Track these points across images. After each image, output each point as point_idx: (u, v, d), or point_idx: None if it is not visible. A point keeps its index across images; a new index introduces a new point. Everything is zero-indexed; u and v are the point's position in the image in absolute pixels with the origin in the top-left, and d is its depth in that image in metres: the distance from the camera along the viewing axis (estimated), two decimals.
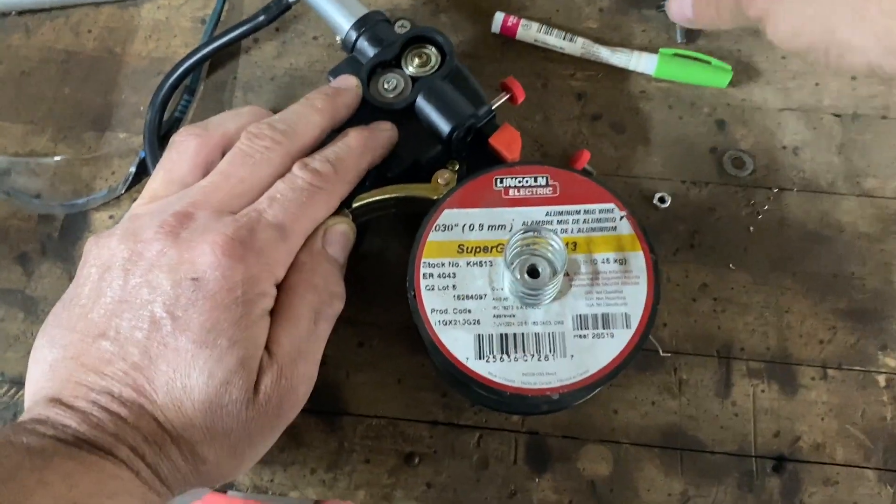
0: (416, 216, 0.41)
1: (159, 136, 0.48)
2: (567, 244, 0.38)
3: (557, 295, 0.37)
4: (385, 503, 0.42)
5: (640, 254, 0.38)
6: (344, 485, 0.42)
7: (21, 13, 0.54)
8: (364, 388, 0.44)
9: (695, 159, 0.49)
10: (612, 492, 0.42)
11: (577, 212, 0.39)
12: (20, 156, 0.50)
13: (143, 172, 0.48)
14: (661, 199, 0.48)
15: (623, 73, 0.52)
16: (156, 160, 0.46)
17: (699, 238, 0.47)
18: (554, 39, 0.51)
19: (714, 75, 0.51)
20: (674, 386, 0.44)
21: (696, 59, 0.51)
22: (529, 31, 0.51)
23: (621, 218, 0.39)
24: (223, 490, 0.43)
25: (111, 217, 0.48)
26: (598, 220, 0.39)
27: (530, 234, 0.37)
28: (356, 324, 0.45)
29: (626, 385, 0.44)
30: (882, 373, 0.44)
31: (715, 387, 0.44)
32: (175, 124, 0.50)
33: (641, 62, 0.51)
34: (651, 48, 0.52)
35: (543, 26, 0.51)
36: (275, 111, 0.43)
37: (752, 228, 0.48)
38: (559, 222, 0.39)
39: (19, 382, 0.45)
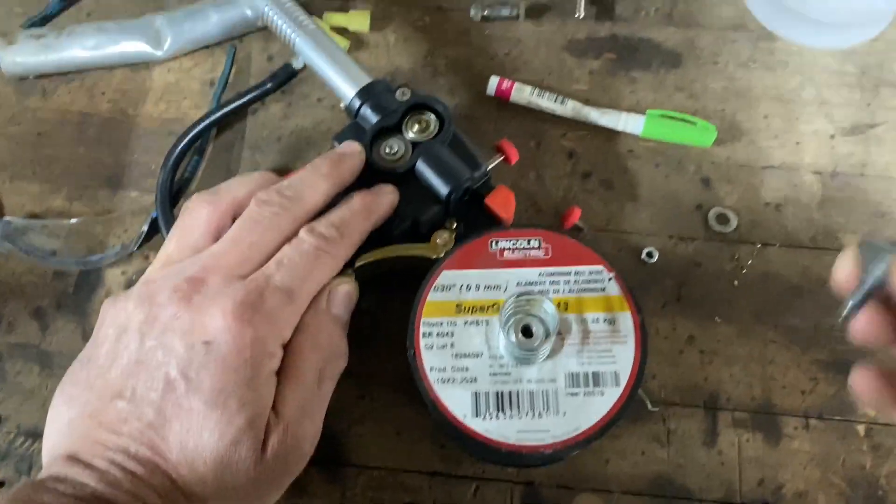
0: (414, 272, 0.43)
1: (171, 196, 0.50)
2: (559, 304, 0.41)
3: (550, 353, 0.40)
4: None
5: (628, 314, 0.40)
6: None
7: (39, 77, 0.57)
8: (365, 440, 0.46)
9: (681, 215, 0.52)
10: None
11: (568, 273, 0.41)
12: (36, 215, 0.52)
13: (154, 230, 0.50)
14: (649, 254, 0.50)
15: (612, 133, 0.54)
16: (167, 219, 0.49)
17: (686, 291, 0.50)
18: (546, 102, 0.54)
19: (699, 135, 0.53)
20: (662, 436, 0.46)
21: (682, 119, 0.53)
22: (523, 93, 0.54)
23: (609, 279, 0.41)
24: None
25: (123, 273, 0.50)
26: (588, 282, 0.41)
27: (524, 297, 0.39)
28: (357, 376, 0.47)
29: (618, 435, 0.46)
30: (861, 422, 0.46)
31: (702, 436, 0.46)
32: (185, 184, 0.52)
33: (629, 123, 0.53)
34: (639, 109, 0.55)
35: (536, 89, 0.54)
36: (281, 171, 0.45)
37: (736, 282, 0.50)
38: (551, 283, 0.41)
39: (34, 434, 0.47)
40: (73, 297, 0.50)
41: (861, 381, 0.34)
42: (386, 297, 0.49)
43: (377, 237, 0.45)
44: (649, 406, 0.46)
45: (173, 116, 0.55)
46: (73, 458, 0.35)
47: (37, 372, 0.48)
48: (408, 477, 0.45)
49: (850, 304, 0.34)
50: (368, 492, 0.45)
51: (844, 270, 0.35)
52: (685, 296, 0.50)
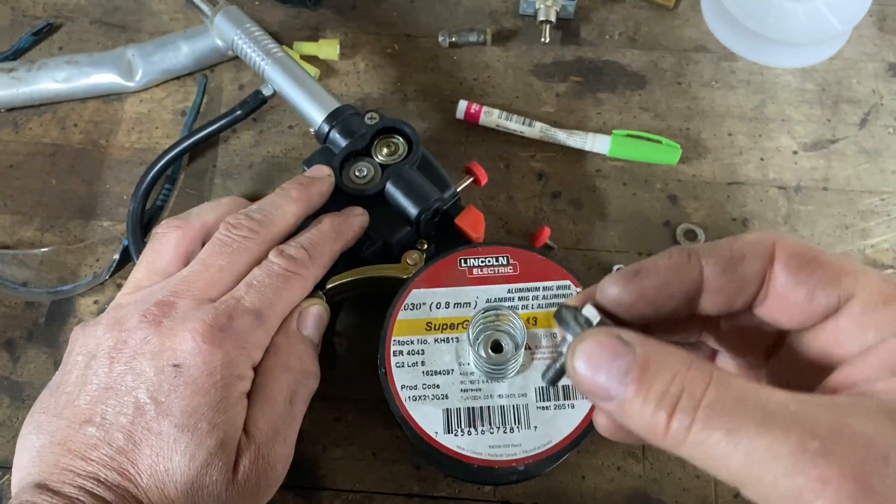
0: (387, 294, 0.43)
1: (142, 225, 0.50)
2: (528, 319, 0.41)
3: (521, 368, 0.40)
4: None
5: None
6: None
7: (10, 109, 0.57)
8: (340, 463, 0.46)
9: (649, 232, 0.53)
10: None
11: (537, 289, 0.42)
12: (8, 246, 0.52)
13: (126, 259, 0.50)
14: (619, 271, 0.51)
15: (580, 154, 0.55)
16: (138, 247, 0.49)
17: None
18: (514, 124, 0.55)
19: (665, 153, 0.54)
20: (638, 451, 0.46)
21: (647, 138, 0.54)
22: (491, 116, 0.55)
23: (577, 294, 0.41)
24: None
25: (95, 302, 0.50)
26: (556, 296, 0.42)
27: (492, 312, 0.39)
28: (332, 399, 0.47)
29: (593, 451, 0.46)
30: None
31: None
32: (157, 212, 0.52)
33: (596, 143, 0.54)
34: (605, 129, 0.56)
35: (504, 112, 0.55)
36: (253, 197, 0.45)
37: None
38: (520, 299, 0.42)
39: (5, 466, 0.46)
40: (45, 327, 0.50)
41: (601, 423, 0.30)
42: (360, 319, 0.50)
43: (348, 259, 0.45)
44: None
45: (145, 146, 0.56)
46: (42, 486, 0.35)
47: (7, 403, 0.48)
48: (384, 500, 0.45)
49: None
50: None
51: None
52: None
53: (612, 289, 0.28)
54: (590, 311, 0.27)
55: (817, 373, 0.27)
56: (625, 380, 0.24)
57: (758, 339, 0.31)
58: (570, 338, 0.27)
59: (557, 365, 0.28)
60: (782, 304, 0.27)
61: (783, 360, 0.30)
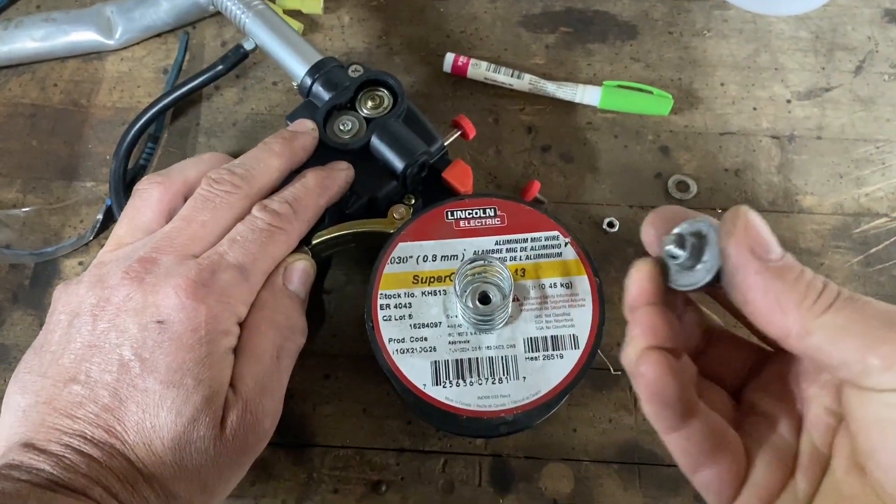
0: (376, 251, 0.43)
1: (125, 184, 0.50)
2: (516, 270, 0.40)
3: (509, 319, 0.39)
4: None
5: (585, 277, 0.40)
6: None
7: None
8: (331, 419, 0.46)
9: (641, 185, 0.52)
10: None
11: (525, 240, 0.41)
12: None
13: (109, 219, 0.50)
14: (610, 224, 0.50)
15: (570, 106, 0.54)
16: (122, 207, 0.48)
17: None
18: (503, 77, 0.54)
19: (656, 104, 0.53)
20: (629, 403, 0.46)
21: (638, 89, 0.53)
22: (479, 69, 0.54)
23: (566, 244, 0.41)
24: None
25: (80, 263, 0.50)
26: (545, 247, 0.41)
27: (478, 263, 0.39)
28: (322, 356, 0.47)
29: (584, 404, 0.46)
30: None
31: None
32: (140, 172, 0.51)
33: (587, 95, 0.53)
34: (595, 81, 0.55)
35: (492, 65, 0.54)
36: (237, 156, 0.44)
37: None
38: (508, 250, 0.41)
39: None
40: (30, 289, 0.49)
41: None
42: (349, 276, 0.49)
43: (334, 214, 0.44)
44: (612, 370, 0.46)
45: (127, 105, 0.55)
46: (29, 445, 0.35)
47: None
48: (375, 455, 0.45)
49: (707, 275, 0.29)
50: (335, 471, 0.45)
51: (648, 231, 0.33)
52: None
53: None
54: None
55: None
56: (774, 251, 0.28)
57: None
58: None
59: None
60: None
61: None
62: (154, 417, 0.35)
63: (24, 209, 0.50)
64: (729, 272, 0.28)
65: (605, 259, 0.49)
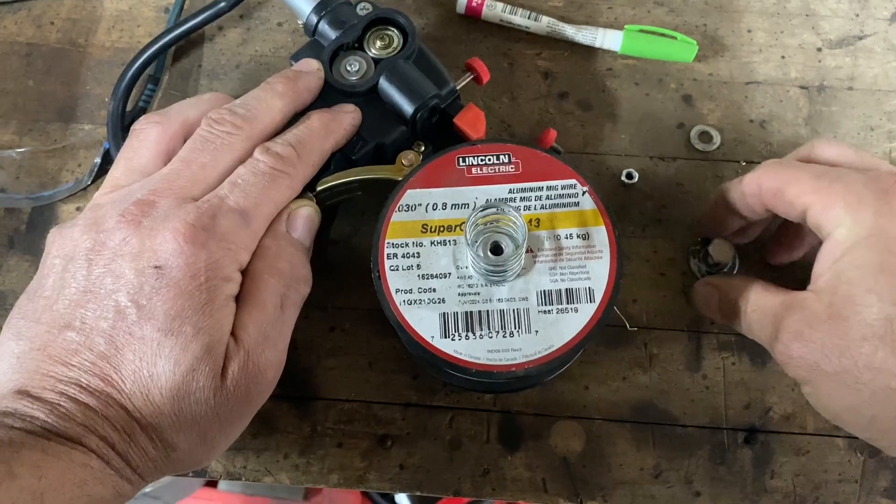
0: (382, 199, 0.41)
1: (123, 126, 0.48)
2: (530, 221, 0.38)
3: (521, 271, 0.38)
4: (359, 486, 0.42)
5: (603, 228, 0.38)
6: (317, 469, 0.43)
7: None
8: (335, 373, 0.44)
9: (662, 135, 0.50)
10: (584, 468, 0.43)
11: (540, 188, 0.39)
12: None
13: (108, 163, 0.48)
14: (629, 176, 0.48)
15: (589, 51, 0.52)
16: (119, 150, 0.46)
17: (667, 213, 0.48)
18: (519, 19, 0.51)
19: (680, 50, 0.51)
20: (644, 361, 0.44)
21: (661, 34, 0.51)
22: (494, 10, 0.51)
23: (583, 193, 0.39)
24: (198, 476, 0.43)
25: (78, 209, 0.48)
26: (561, 196, 0.39)
27: (491, 210, 0.37)
28: (327, 308, 0.45)
29: (597, 361, 0.44)
30: None
31: (685, 360, 0.44)
32: (139, 114, 0.49)
33: (607, 39, 0.51)
34: (616, 25, 0.52)
35: (508, 6, 0.51)
36: (239, 98, 0.43)
37: None
38: (522, 199, 0.39)
39: None
40: (26, 234, 0.48)
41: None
42: (355, 227, 0.47)
43: (340, 161, 0.43)
44: (628, 326, 0.44)
45: (126, 46, 0.52)
46: (23, 392, 0.34)
47: None
48: (381, 409, 0.44)
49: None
50: (340, 425, 0.43)
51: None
52: (666, 218, 0.48)
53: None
54: None
55: None
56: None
57: None
58: None
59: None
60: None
61: None
62: (151, 366, 0.34)
63: (18, 150, 0.48)
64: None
65: (624, 212, 0.47)
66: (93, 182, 0.48)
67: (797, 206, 0.37)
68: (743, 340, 0.45)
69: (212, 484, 0.88)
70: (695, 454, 0.43)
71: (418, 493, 0.42)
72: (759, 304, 0.38)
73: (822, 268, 0.36)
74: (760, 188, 0.39)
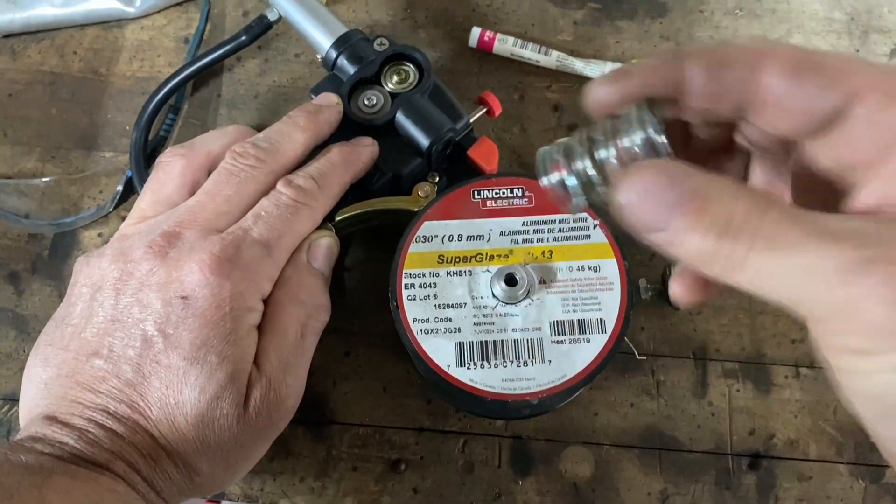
0: (398, 228, 0.42)
1: (145, 155, 0.49)
2: (543, 252, 0.40)
3: (535, 302, 0.39)
4: None
5: (613, 261, 0.39)
6: (332, 492, 0.44)
7: (7, 36, 0.55)
8: (351, 397, 0.45)
9: None
10: (593, 492, 0.44)
11: (553, 221, 0.41)
12: (8, 176, 0.51)
13: (130, 191, 0.49)
14: None
15: None
16: (142, 178, 0.47)
17: None
18: (530, 53, 0.53)
19: None
20: (652, 387, 0.46)
21: None
22: (506, 45, 0.53)
23: (594, 226, 0.40)
24: (216, 500, 0.44)
25: (100, 235, 0.49)
26: (573, 229, 0.40)
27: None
28: (342, 334, 0.47)
29: (606, 387, 0.46)
30: None
31: (692, 387, 0.46)
32: (160, 143, 0.51)
33: None
34: (624, 58, 0.54)
35: (519, 40, 0.53)
36: (259, 128, 0.44)
37: None
38: (535, 231, 0.40)
39: (12, 399, 0.46)
40: (49, 259, 0.49)
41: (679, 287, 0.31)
42: (370, 254, 0.49)
43: (358, 191, 0.44)
44: (637, 355, 0.45)
45: (147, 75, 0.54)
46: (51, 418, 0.35)
47: (13, 336, 0.47)
48: (394, 433, 0.45)
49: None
50: (355, 449, 0.44)
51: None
52: None
53: (599, 89, 0.27)
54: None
55: (839, 193, 0.26)
56: (680, 209, 0.23)
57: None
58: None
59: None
60: (781, 112, 0.25)
61: (803, 185, 0.29)
62: (177, 394, 0.35)
63: (43, 179, 0.50)
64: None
65: (631, 241, 0.48)
66: (114, 209, 0.49)
67: (838, 90, 0.24)
68: (748, 368, 0.46)
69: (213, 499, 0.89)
70: (701, 479, 0.44)
71: None
72: (798, 218, 0.22)
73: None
74: (770, 62, 0.25)
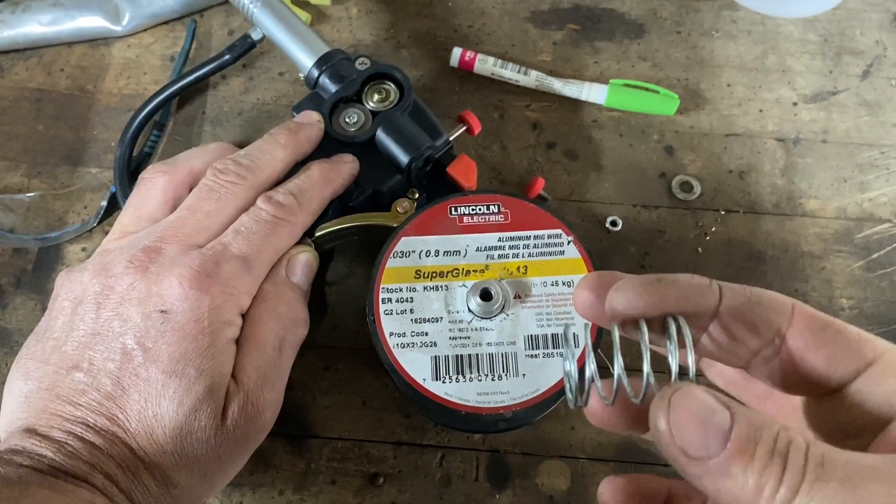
0: (378, 244, 0.43)
1: (129, 171, 0.50)
2: (518, 268, 0.41)
3: (510, 317, 0.39)
4: None
5: None
6: None
7: None
8: (330, 411, 0.46)
9: (645, 184, 0.52)
10: None
11: (528, 237, 0.41)
12: None
13: (114, 206, 0.50)
14: (613, 223, 0.50)
15: (576, 104, 0.54)
16: (126, 194, 0.48)
17: (650, 259, 0.50)
18: (509, 73, 0.54)
19: (662, 104, 0.53)
20: None
21: (644, 88, 0.53)
22: (486, 64, 0.54)
23: (568, 242, 0.41)
24: None
25: (84, 249, 0.50)
26: (547, 245, 0.41)
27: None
28: (322, 348, 0.47)
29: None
30: None
31: None
32: (145, 159, 0.51)
33: (593, 93, 0.53)
34: (602, 79, 0.55)
35: (499, 60, 0.54)
36: (242, 145, 0.45)
37: (700, 249, 0.50)
38: (511, 247, 0.41)
39: None
40: (33, 274, 0.49)
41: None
42: (350, 269, 0.49)
43: (338, 207, 0.45)
44: (611, 369, 0.46)
45: (133, 92, 0.55)
46: (31, 431, 0.35)
47: None
48: (373, 447, 0.45)
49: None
50: (333, 463, 0.45)
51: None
52: (649, 263, 0.50)
53: (628, 292, 0.27)
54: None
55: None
56: (723, 441, 0.22)
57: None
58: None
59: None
60: (798, 368, 0.26)
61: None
62: (156, 406, 0.35)
63: (28, 194, 0.50)
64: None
65: (607, 258, 0.49)
66: (98, 224, 0.50)
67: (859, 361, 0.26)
68: None
69: None
70: None
71: None
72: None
73: None
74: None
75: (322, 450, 0.45)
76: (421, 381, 0.38)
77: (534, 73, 0.54)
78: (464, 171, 0.46)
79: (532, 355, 0.39)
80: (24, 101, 0.55)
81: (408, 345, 0.39)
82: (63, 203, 0.51)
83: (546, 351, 0.39)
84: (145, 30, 0.57)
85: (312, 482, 0.44)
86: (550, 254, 0.41)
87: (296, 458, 0.45)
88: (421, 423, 0.45)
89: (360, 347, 0.47)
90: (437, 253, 0.41)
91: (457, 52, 0.54)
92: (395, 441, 0.45)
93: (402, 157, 0.45)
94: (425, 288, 0.40)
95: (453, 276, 0.40)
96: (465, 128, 0.48)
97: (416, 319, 0.40)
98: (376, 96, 0.47)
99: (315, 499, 0.44)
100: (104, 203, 0.49)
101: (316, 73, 0.47)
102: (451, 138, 0.47)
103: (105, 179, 0.52)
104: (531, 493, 0.44)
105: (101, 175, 0.52)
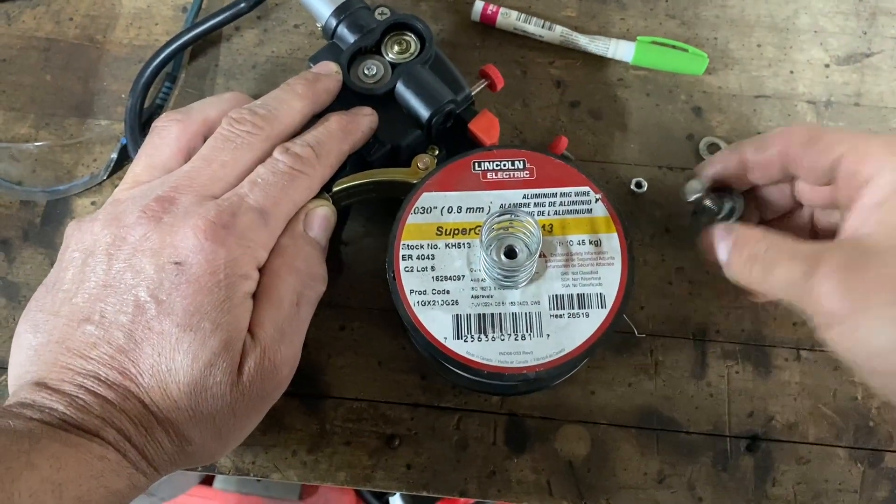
0: (396, 201, 0.42)
1: (140, 123, 0.48)
2: (543, 226, 0.39)
3: (534, 276, 0.38)
4: (366, 484, 0.43)
5: (615, 235, 0.39)
6: (325, 467, 0.43)
7: (2, 1, 0.54)
8: (345, 372, 0.45)
9: (671, 145, 0.50)
10: (589, 471, 0.43)
11: (554, 195, 0.40)
12: (1, 142, 0.50)
13: (124, 159, 0.48)
14: (638, 185, 0.49)
15: (601, 61, 0.53)
16: (137, 146, 0.47)
17: (674, 222, 0.48)
18: (533, 27, 0.52)
19: (691, 63, 0.51)
20: (650, 367, 0.45)
21: (673, 46, 0.51)
22: (509, 19, 0.52)
23: (596, 200, 0.40)
24: (206, 471, 0.43)
25: (93, 203, 0.49)
26: (574, 203, 0.40)
27: (506, 217, 0.37)
28: (338, 307, 0.46)
29: (604, 367, 0.45)
30: None
31: (690, 368, 0.45)
32: (156, 111, 0.50)
33: (619, 50, 0.51)
34: (629, 36, 0.53)
35: (523, 14, 0.52)
36: (256, 98, 0.43)
37: None
38: (536, 205, 0.40)
39: (2, 367, 0.45)
40: (41, 227, 0.48)
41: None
42: (367, 229, 0.48)
43: (356, 162, 0.43)
44: (636, 332, 0.45)
45: (144, 43, 0.53)
46: (41, 385, 0.34)
47: (3, 304, 0.47)
48: (389, 409, 0.44)
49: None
50: (348, 424, 0.44)
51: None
52: (674, 227, 0.48)
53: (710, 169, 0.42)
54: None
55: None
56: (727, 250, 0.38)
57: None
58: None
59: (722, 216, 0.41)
60: (802, 169, 0.38)
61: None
62: (170, 360, 0.34)
63: (35, 143, 0.49)
64: None
65: (632, 220, 0.48)
66: (108, 177, 0.48)
67: (830, 154, 0.36)
68: (748, 350, 0.45)
69: (207, 481, 0.89)
70: (698, 460, 0.43)
71: (424, 494, 0.43)
72: (787, 247, 0.36)
73: (863, 213, 0.34)
74: (790, 139, 0.38)
75: (337, 410, 0.44)
76: (442, 340, 0.37)
77: (558, 29, 0.52)
78: (486, 127, 0.44)
79: (557, 315, 0.37)
80: (31, 50, 0.53)
81: (429, 303, 0.38)
82: (72, 155, 0.50)
83: (571, 311, 0.37)
84: None
85: (327, 443, 0.43)
86: (577, 212, 0.39)
87: (310, 418, 0.44)
88: (438, 385, 0.44)
89: (376, 308, 0.46)
90: (459, 209, 0.40)
91: (479, 5, 0.52)
92: (411, 402, 0.44)
93: (423, 112, 0.43)
94: (447, 245, 0.39)
95: (476, 233, 0.39)
96: (486, 83, 0.47)
97: (437, 277, 0.38)
98: (396, 48, 0.45)
99: (329, 460, 0.43)
100: (114, 156, 0.48)
101: (334, 22, 0.45)
102: (472, 93, 0.45)
103: (115, 132, 0.50)
104: (550, 458, 0.43)
105: (110, 127, 0.51)
